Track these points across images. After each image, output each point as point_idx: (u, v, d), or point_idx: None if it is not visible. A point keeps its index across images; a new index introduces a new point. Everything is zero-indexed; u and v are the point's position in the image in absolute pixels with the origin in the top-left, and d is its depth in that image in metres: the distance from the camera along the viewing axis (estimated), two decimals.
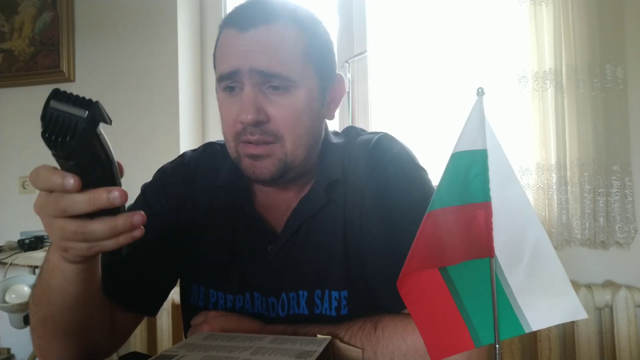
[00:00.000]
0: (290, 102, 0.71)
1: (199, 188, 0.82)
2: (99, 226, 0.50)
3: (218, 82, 0.74)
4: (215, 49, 0.77)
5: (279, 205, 0.80)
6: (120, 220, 0.51)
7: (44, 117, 0.45)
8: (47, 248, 1.77)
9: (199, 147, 0.90)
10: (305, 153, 0.74)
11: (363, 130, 0.86)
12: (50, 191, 0.49)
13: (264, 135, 0.70)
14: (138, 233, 0.52)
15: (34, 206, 0.51)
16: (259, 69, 0.69)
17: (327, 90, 0.78)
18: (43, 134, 0.45)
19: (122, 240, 0.52)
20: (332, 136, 0.83)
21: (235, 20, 0.71)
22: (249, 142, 0.71)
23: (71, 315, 0.65)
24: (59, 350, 0.69)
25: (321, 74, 0.75)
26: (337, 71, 0.81)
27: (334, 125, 1.93)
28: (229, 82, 0.72)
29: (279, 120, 0.70)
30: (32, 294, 0.69)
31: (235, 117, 0.71)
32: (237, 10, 0.74)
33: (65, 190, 0.47)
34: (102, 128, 0.48)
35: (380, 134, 0.81)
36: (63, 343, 0.68)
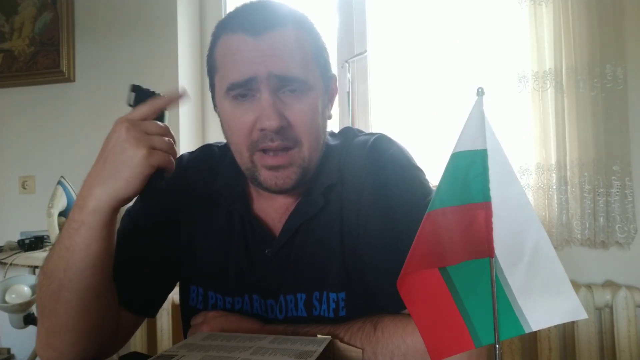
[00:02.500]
0: (306, 105, 0.71)
1: (197, 190, 0.82)
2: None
3: (227, 90, 0.71)
4: (214, 56, 0.75)
5: (276, 208, 0.79)
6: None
7: (134, 87, 0.71)
8: (47, 248, 1.79)
9: (196, 150, 0.90)
10: (318, 156, 0.75)
11: (360, 131, 0.86)
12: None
13: (284, 141, 0.70)
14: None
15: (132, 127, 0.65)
16: (278, 73, 0.68)
17: (328, 91, 0.78)
18: (137, 86, 0.71)
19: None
20: (329, 138, 0.83)
21: (242, 25, 0.70)
22: (267, 151, 0.70)
23: (88, 279, 0.65)
24: (67, 330, 0.67)
25: (324, 75, 0.76)
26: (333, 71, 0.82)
27: (333, 125, 1.93)
28: (240, 91, 0.70)
29: (298, 124, 0.70)
30: (43, 270, 0.69)
31: (251, 125, 0.70)
32: (241, 15, 0.72)
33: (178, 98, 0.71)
34: None
35: (377, 135, 0.81)
36: (74, 319, 0.67)
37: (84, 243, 0.64)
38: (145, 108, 0.68)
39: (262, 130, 0.69)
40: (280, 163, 0.70)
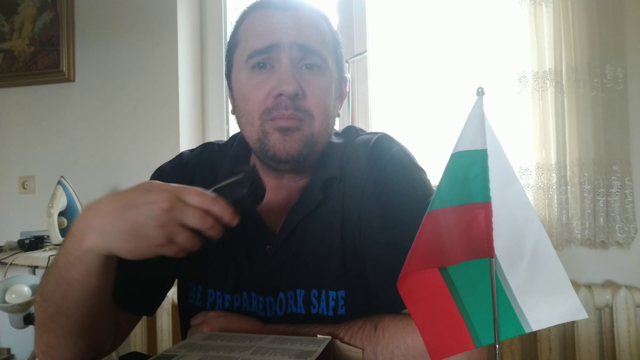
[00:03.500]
0: (322, 83, 0.75)
1: (197, 186, 0.82)
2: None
3: (248, 59, 0.74)
4: (239, 32, 0.78)
5: (277, 203, 0.80)
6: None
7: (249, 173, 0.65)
8: (47, 248, 1.78)
9: (197, 147, 0.90)
10: (325, 137, 0.77)
11: (362, 131, 0.87)
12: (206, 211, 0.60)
13: (297, 111, 0.72)
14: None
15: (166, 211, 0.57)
16: (301, 42, 0.72)
17: (340, 86, 0.81)
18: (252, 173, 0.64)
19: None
20: (332, 136, 0.83)
21: (270, 3, 0.75)
22: (280, 118, 0.72)
23: (87, 308, 0.64)
24: (67, 346, 0.67)
25: (338, 68, 0.80)
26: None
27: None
28: (261, 58, 0.73)
29: (312, 97, 0.73)
30: (41, 290, 0.68)
31: (268, 92, 0.72)
32: None
33: (229, 223, 0.63)
34: None
35: (380, 134, 0.82)
36: (73, 339, 0.67)
37: (82, 278, 0.61)
38: (206, 200, 0.60)
39: (278, 95, 0.71)
40: (291, 125, 0.72)
